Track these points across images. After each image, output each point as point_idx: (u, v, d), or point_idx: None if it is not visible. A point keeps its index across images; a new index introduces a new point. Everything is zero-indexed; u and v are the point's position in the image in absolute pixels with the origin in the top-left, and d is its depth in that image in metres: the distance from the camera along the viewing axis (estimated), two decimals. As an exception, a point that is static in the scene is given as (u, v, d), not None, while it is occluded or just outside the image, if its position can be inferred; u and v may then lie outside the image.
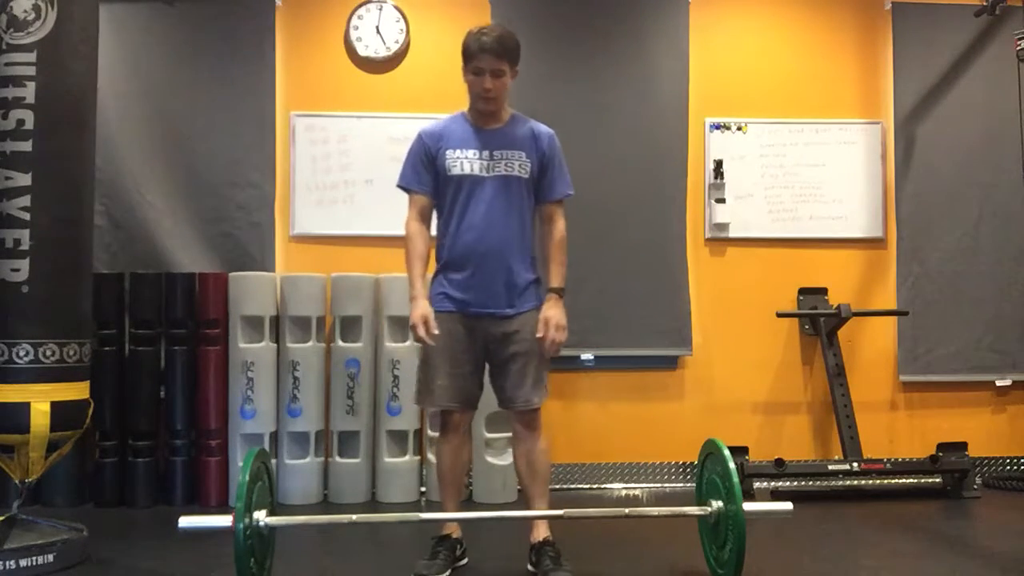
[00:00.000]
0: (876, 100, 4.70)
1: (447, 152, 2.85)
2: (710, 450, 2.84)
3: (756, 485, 4.00)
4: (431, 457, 3.98)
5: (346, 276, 4.17)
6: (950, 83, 4.63)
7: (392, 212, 4.36)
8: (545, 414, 2.93)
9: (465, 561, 2.93)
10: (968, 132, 4.62)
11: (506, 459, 4.07)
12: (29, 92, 2.96)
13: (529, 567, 2.87)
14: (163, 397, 4.05)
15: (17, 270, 2.93)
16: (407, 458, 4.13)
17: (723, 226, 4.58)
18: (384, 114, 4.45)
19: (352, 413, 4.09)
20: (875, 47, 4.71)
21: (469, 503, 4.08)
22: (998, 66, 4.54)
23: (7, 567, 2.79)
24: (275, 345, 4.10)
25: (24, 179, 2.95)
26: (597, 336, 4.38)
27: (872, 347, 4.62)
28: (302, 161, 4.44)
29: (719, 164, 4.57)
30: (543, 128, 2.94)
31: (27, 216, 2.94)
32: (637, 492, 4.40)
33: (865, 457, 4.19)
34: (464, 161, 2.84)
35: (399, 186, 2.94)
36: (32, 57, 2.97)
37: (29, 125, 2.96)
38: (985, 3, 4.39)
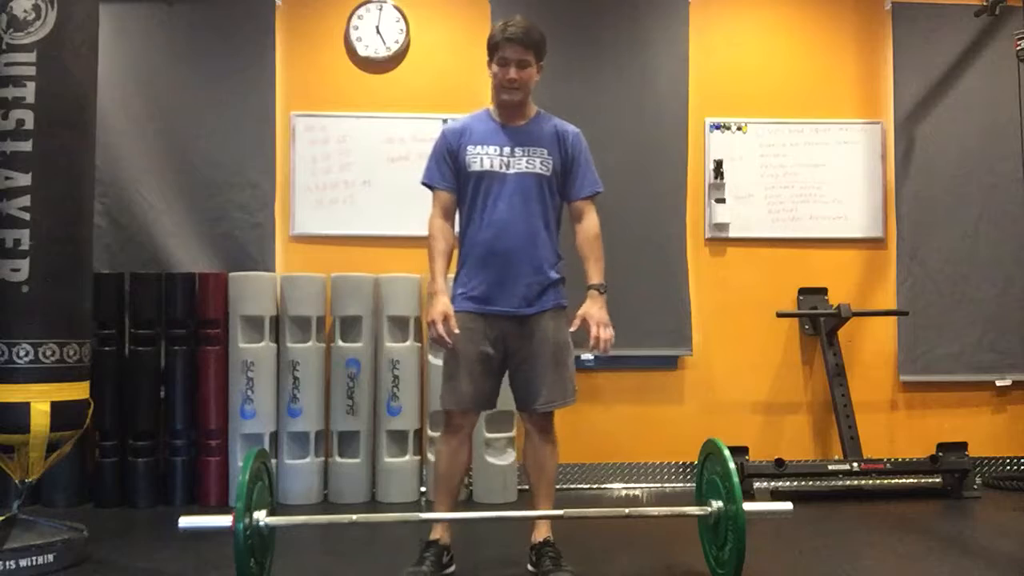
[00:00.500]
0: (876, 100, 4.70)
1: (468, 148, 2.83)
2: (710, 450, 2.84)
3: (756, 485, 4.00)
4: (431, 457, 3.98)
5: (346, 276, 4.17)
6: (950, 83, 4.63)
7: (392, 212, 4.41)
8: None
9: (452, 569, 2.87)
10: (968, 132, 4.62)
11: (506, 459, 4.07)
12: (29, 92, 2.96)
13: (529, 567, 2.87)
14: (163, 397, 4.05)
15: (17, 270, 2.93)
16: (407, 458, 4.13)
17: (723, 226, 4.58)
18: (384, 114, 4.45)
19: (352, 413, 4.09)
20: (875, 47, 4.71)
21: (469, 503, 4.09)
22: (998, 66, 4.54)
23: (7, 567, 2.79)
24: (275, 345, 4.10)
25: (24, 179, 2.95)
26: (597, 336, 4.38)
27: (872, 347, 4.62)
28: (302, 161, 4.44)
29: (719, 164, 4.57)
30: (569, 126, 2.92)
31: (27, 216, 2.94)
32: (637, 492, 4.40)
33: (865, 457, 4.19)
34: (485, 157, 2.82)
35: (423, 183, 2.91)
36: (32, 57, 2.97)
37: (29, 125, 2.96)
38: (985, 3, 4.39)
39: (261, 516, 2.57)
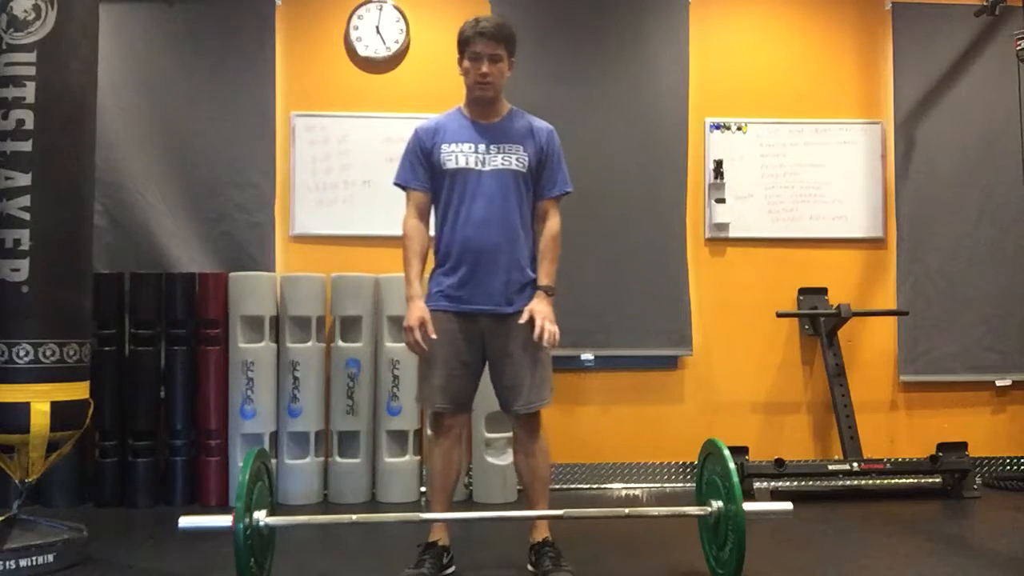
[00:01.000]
0: (876, 100, 4.70)
1: (442, 146, 2.81)
2: (710, 450, 2.84)
3: (756, 485, 4.00)
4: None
5: (346, 276, 4.17)
6: (950, 83, 4.63)
7: (392, 212, 4.35)
8: (545, 414, 2.91)
9: (452, 570, 2.87)
10: (968, 132, 4.62)
11: (506, 459, 4.07)
12: (29, 92, 2.96)
13: (529, 567, 2.86)
14: (163, 397, 4.05)
15: (17, 270, 2.93)
16: (407, 458, 4.13)
17: (723, 226, 4.58)
18: (384, 114, 4.45)
19: (352, 413, 4.09)
20: (875, 47, 4.71)
21: (469, 503, 4.09)
22: (998, 66, 4.54)
23: (7, 567, 2.80)
24: (275, 345, 4.10)
25: (24, 179, 2.95)
26: (597, 336, 4.38)
27: (872, 347, 4.62)
28: (302, 161, 4.44)
29: (719, 164, 4.57)
30: (542, 123, 2.90)
31: (27, 216, 2.94)
32: (637, 492, 4.40)
33: (865, 457, 4.19)
34: (460, 155, 2.80)
35: (395, 184, 2.90)
36: (32, 57, 2.97)
37: (29, 125, 2.96)
38: (985, 3, 4.39)
39: (261, 516, 2.57)
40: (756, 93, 4.65)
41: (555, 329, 2.72)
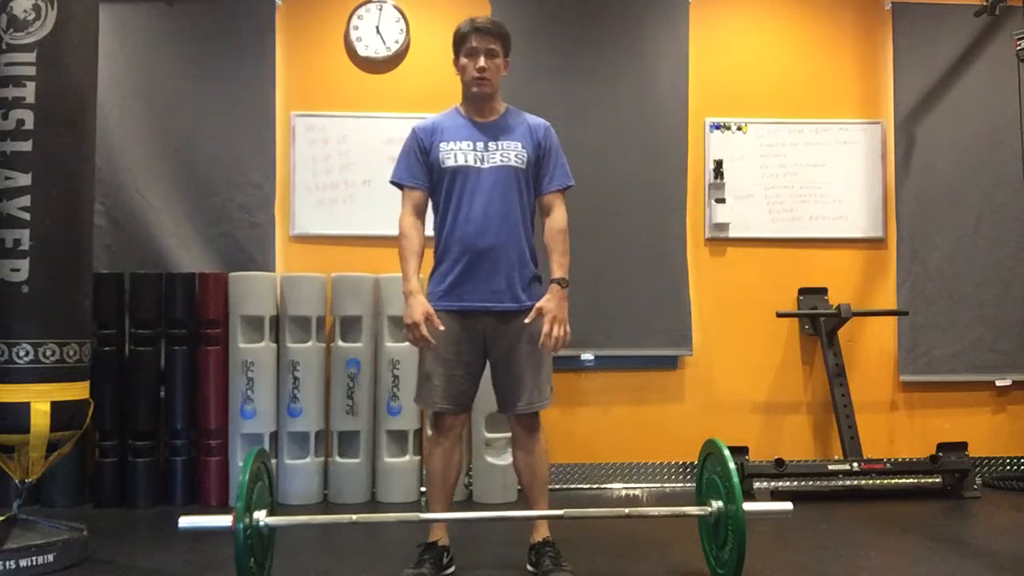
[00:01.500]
0: (876, 100, 4.70)
1: (441, 144, 2.81)
2: (710, 450, 2.84)
3: (756, 485, 4.00)
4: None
5: (346, 276, 4.17)
6: (950, 83, 4.63)
7: (392, 212, 4.36)
8: (544, 414, 2.92)
9: (452, 570, 2.87)
10: (968, 132, 4.62)
11: (506, 459, 4.07)
12: (29, 92, 2.96)
13: (529, 567, 2.87)
14: (163, 397, 4.05)
15: (17, 270, 2.93)
16: (407, 458, 4.13)
17: (723, 226, 4.58)
18: (384, 114, 4.45)
19: (352, 413, 4.09)
20: (875, 47, 4.71)
21: (469, 503, 4.09)
22: (998, 66, 4.54)
23: (7, 567, 2.80)
24: (275, 345, 4.11)
25: (24, 179, 2.95)
26: (597, 336, 4.38)
27: (872, 347, 4.62)
28: (302, 161, 4.44)
29: (719, 164, 4.57)
30: (539, 120, 2.91)
31: (27, 216, 2.95)
32: (637, 492, 4.40)
33: (865, 457, 4.19)
34: (458, 152, 2.80)
35: (392, 182, 2.90)
36: (32, 57, 2.97)
37: (29, 125, 2.96)
38: (985, 3, 4.39)
39: (261, 516, 2.57)
40: (756, 93, 4.65)
41: (561, 333, 2.70)
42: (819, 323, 4.47)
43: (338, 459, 4.12)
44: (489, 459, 4.12)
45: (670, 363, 4.54)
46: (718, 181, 4.57)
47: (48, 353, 2.94)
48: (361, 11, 4.48)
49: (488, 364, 2.86)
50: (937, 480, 4.17)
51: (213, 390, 4.03)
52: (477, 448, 4.11)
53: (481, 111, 2.86)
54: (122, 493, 3.99)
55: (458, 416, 2.85)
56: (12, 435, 2.90)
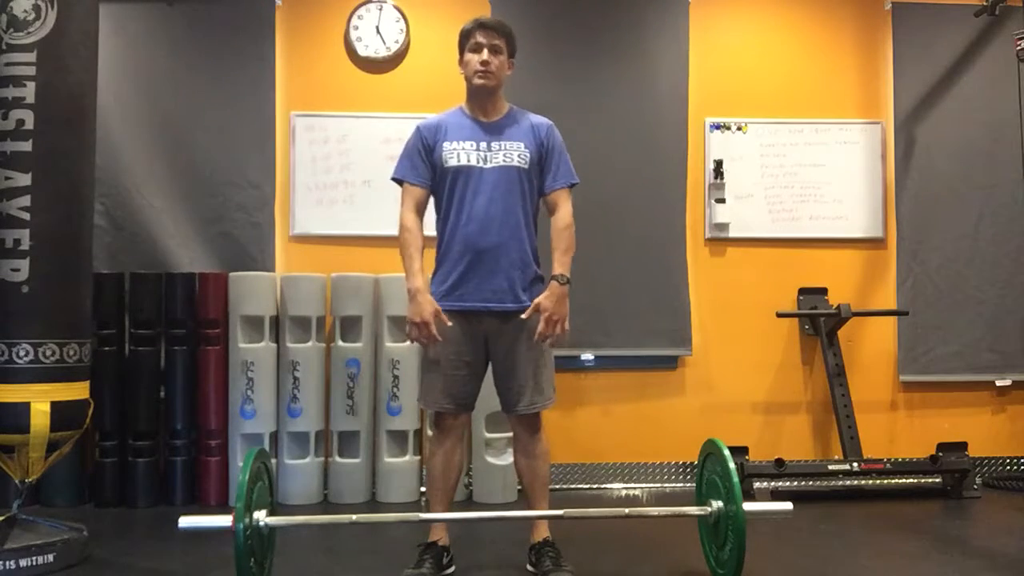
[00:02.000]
0: (876, 100, 4.70)
1: (444, 144, 2.82)
2: (710, 450, 2.84)
3: (756, 485, 4.00)
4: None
5: (346, 276, 4.17)
6: (950, 83, 4.63)
7: (392, 212, 4.36)
8: (545, 414, 2.91)
9: (452, 570, 2.87)
10: (968, 132, 4.62)
11: (506, 459, 4.07)
12: (29, 92, 2.96)
13: (529, 567, 2.87)
14: (163, 397, 4.05)
15: (17, 270, 2.93)
16: (407, 458, 4.13)
17: (723, 226, 4.58)
18: (384, 114, 4.45)
19: (352, 413, 4.09)
20: (875, 47, 4.71)
21: (469, 503, 4.09)
22: (998, 66, 4.54)
23: (7, 567, 2.79)
24: (275, 345, 4.10)
25: (24, 179, 2.95)
26: (597, 336, 4.38)
27: (872, 347, 4.62)
28: (302, 161, 4.44)
29: (719, 164, 4.57)
30: (541, 119, 2.92)
31: (27, 216, 2.95)
32: (637, 492, 4.40)
33: (865, 457, 4.19)
34: (461, 152, 2.80)
35: (393, 179, 2.89)
36: (32, 57, 2.97)
37: (29, 125, 2.96)
38: (985, 3, 4.39)
39: (261, 516, 2.57)
40: (756, 93, 4.65)
41: (558, 331, 2.69)
42: (819, 323, 4.47)
43: (338, 459, 4.12)
44: (489, 459, 4.12)
45: (670, 363, 4.54)
46: (718, 181, 4.57)
47: (48, 353, 2.94)
48: (361, 11, 4.48)
49: (490, 364, 2.86)
50: (937, 480, 4.17)
51: (213, 390, 4.03)
52: (477, 448, 4.11)
53: (485, 110, 2.86)
54: (122, 493, 3.99)
55: (459, 416, 2.85)
56: (12, 435, 2.90)
